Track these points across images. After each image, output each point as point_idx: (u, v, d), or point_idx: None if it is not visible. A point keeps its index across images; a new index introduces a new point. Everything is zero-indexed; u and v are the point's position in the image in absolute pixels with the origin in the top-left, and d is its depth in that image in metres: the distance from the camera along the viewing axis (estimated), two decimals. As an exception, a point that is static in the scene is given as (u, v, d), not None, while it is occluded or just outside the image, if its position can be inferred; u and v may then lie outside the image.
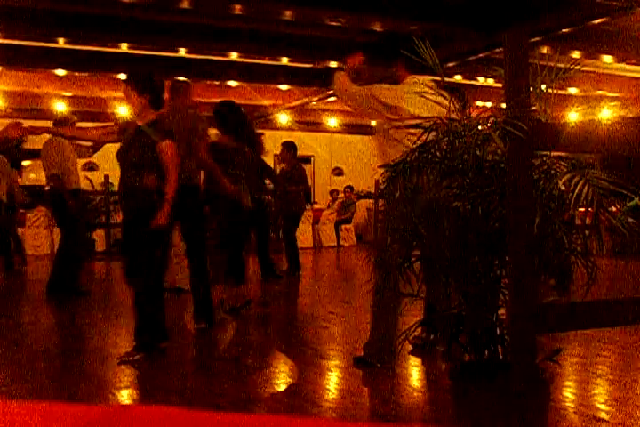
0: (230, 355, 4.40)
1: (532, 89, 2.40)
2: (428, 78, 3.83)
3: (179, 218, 4.76)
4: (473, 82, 9.54)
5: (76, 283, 6.80)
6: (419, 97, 3.16)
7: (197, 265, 5.15)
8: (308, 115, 13.52)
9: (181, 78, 6.24)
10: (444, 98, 2.65)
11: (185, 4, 5.94)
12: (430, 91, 3.06)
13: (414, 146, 2.54)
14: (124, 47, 7.47)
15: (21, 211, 11.97)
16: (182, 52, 7.86)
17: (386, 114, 3.77)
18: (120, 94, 9.76)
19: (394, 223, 2.97)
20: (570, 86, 9.65)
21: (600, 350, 4.34)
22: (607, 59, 7.68)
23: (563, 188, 2.31)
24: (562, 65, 2.47)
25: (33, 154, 11.48)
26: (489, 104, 10.39)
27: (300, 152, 9.26)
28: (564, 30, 6.24)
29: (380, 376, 3.85)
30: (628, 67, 8.79)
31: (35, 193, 11.28)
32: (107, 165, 11.06)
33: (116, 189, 5.42)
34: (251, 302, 5.82)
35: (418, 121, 2.61)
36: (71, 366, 4.09)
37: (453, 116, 2.52)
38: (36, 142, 11.00)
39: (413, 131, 2.70)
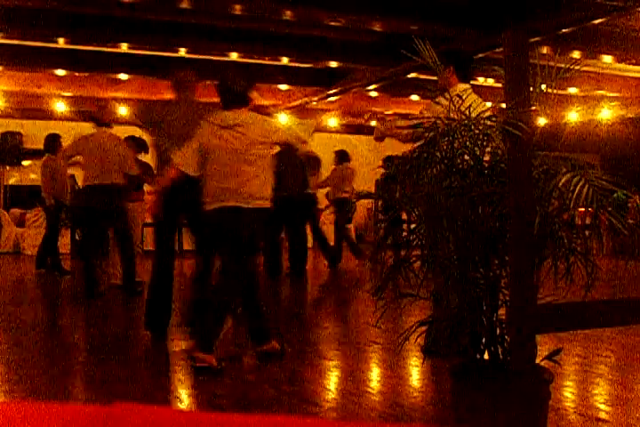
0: (229, 355, 4.40)
1: (532, 89, 2.40)
2: (467, 86, 4.00)
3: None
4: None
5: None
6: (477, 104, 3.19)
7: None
8: (308, 115, 13.51)
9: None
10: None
11: (185, 4, 5.93)
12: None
13: (414, 146, 2.54)
14: (124, 47, 7.46)
15: (21, 211, 11.96)
16: (182, 52, 7.85)
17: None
18: (120, 94, 9.83)
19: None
20: (570, 86, 9.63)
21: (600, 350, 4.34)
22: (607, 59, 7.66)
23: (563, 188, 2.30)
24: (562, 65, 2.46)
25: (33, 154, 11.45)
26: (489, 104, 10.38)
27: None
28: (564, 30, 6.23)
29: (381, 376, 3.85)
30: (628, 67, 8.77)
31: (34, 193, 11.21)
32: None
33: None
34: None
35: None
36: (71, 365, 4.09)
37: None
38: (35, 142, 11.00)
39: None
